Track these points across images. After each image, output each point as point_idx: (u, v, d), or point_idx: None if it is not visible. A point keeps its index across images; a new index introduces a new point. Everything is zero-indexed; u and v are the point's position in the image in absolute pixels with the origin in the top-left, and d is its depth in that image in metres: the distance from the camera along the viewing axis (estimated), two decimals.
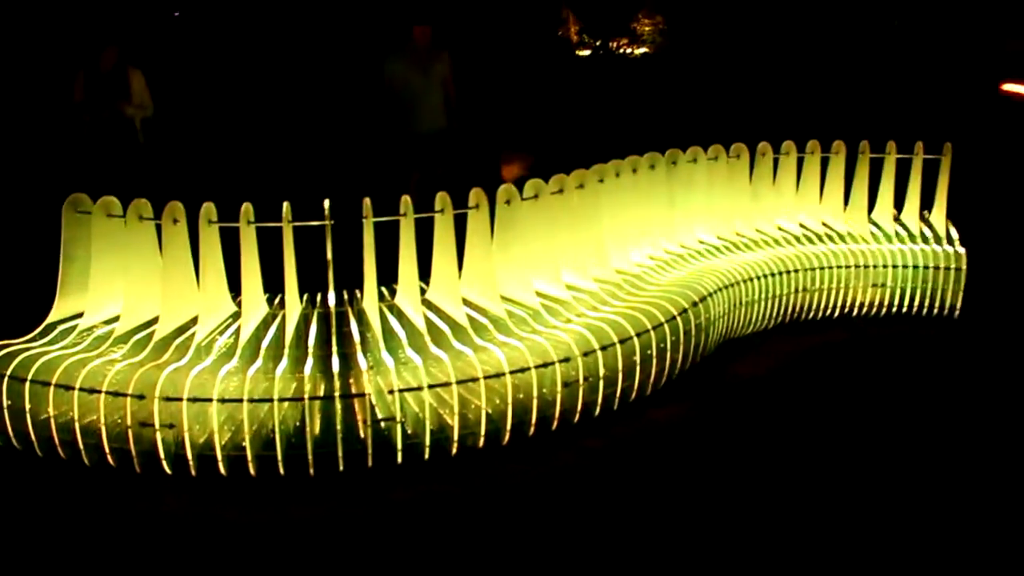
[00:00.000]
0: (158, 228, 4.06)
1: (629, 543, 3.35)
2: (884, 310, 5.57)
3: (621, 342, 4.16)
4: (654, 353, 4.32)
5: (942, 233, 5.65)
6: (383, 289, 4.41)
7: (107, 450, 3.73)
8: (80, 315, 4.23)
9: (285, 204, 3.91)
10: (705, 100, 13.39)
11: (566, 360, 3.99)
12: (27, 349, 3.97)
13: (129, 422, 3.67)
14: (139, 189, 4.14)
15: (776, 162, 5.66)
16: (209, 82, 13.59)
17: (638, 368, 4.25)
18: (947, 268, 5.54)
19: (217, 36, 16.01)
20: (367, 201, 3.94)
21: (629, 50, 19.56)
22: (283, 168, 9.34)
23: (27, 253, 6.52)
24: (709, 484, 3.77)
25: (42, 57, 11.60)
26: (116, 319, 4.19)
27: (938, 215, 5.70)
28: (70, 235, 4.18)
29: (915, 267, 5.55)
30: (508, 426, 3.90)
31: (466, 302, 4.24)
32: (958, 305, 5.55)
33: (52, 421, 3.76)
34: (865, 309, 5.56)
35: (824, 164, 5.71)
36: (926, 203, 5.73)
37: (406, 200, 4.03)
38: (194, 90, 12.57)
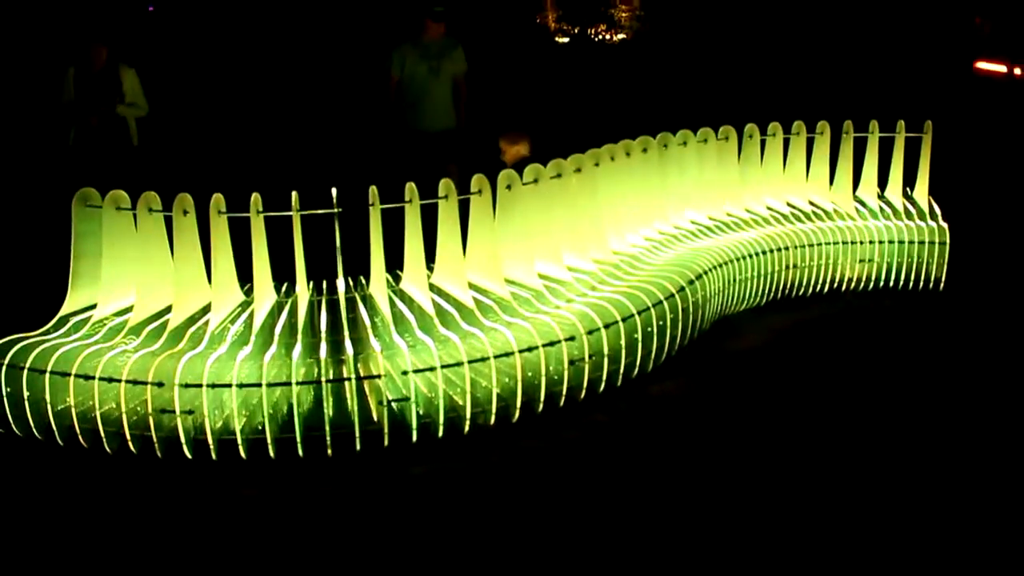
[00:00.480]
0: (165, 221, 4.16)
1: (636, 512, 3.50)
2: (871, 284, 5.75)
3: (623, 320, 4.30)
4: (654, 330, 4.46)
5: (925, 209, 5.83)
6: (387, 275, 4.52)
7: (128, 437, 3.83)
8: (92, 307, 4.31)
9: (294, 193, 4.02)
10: (687, 84, 13.52)
11: (571, 339, 4.12)
12: (43, 341, 4.05)
13: (149, 409, 3.77)
14: (138, 190, 4.19)
15: (763, 143, 5.81)
16: (204, 77, 13.44)
17: (639, 345, 4.39)
18: (931, 242, 5.72)
19: (210, 29, 15.83)
20: (373, 188, 4.04)
21: (607, 36, 19.66)
22: (283, 161, 9.29)
23: (25, 251, 6.58)
24: (709, 453, 3.92)
25: (31, 56, 11.48)
26: (128, 310, 4.28)
27: (920, 191, 5.88)
28: (80, 229, 4.25)
29: (900, 242, 5.72)
30: (518, 404, 4.03)
31: (471, 285, 4.36)
32: (942, 278, 5.74)
33: (72, 411, 3.85)
34: (853, 284, 5.74)
35: (809, 144, 5.87)
36: (908, 180, 5.91)
37: (411, 187, 4.14)
38: (189, 87, 12.44)
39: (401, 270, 4.48)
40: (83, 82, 6.33)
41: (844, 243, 5.67)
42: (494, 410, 4.00)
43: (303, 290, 4.21)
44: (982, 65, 13.66)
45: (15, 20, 13.25)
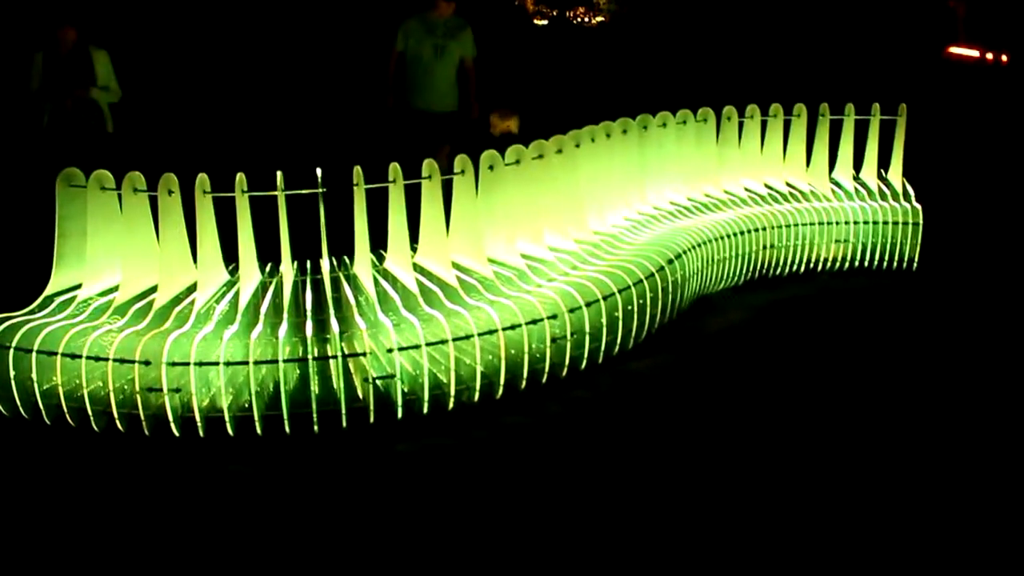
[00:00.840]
0: (150, 201, 4.18)
1: (616, 485, 3.58)
2: (846, 264, 5.86)
3: (604, 299, 4.38)
4: (634, 308, 4.55)
5: (899, 190, 5.95)
6: (371, 255, 4.56)
7: (115, 416, 3.86)
8: (78, 287, 4.32)
9: (279, 173, 4.05)
10: (666, 67, 13.58)
11: (553, 317, 4.20)
12: (29, 321, 4.06)
13: (136, 388, 3.80)
14: (117, 176, 4.19)
15: (741, 125, 5.90)
16: (181, 58, 13.18)
17: (620, 323, 4.47)
18: (904, 223, 5.84)
19: (186, 5, 15.50)
20: (358, 168, 4.08)
21: (586, 19, 19.69)
22: (268, 141, 9.20)
23: (6, 234, 6.55)
24: (689, 428, 4.02)
25: None
26: (113, 290, 4.30)
27: (895, 173, 5.99)
28: (64, 210, 4.26)
29: (874, 223, 5.84)
30: (501, 381, 4.10)
31: (454, 264, 4.42)
32: (916, 258, 5.86)
33: (59, 390, 3.88)
34: (828, 264, 5.85)
35: (786, 126, 5.96)
36: (883, 162, 6.02)
37: (395, 167, 4.18)
38: (165, 68, 12.22)
39: (385, 250, 4.53)
40: (52, 66, 6.05)
41: (820, 224, 5.78)
42: (478, 387, 4.07)
43: (288, 270, 4.24)
44: (955, 50, 13.83)
45: None
